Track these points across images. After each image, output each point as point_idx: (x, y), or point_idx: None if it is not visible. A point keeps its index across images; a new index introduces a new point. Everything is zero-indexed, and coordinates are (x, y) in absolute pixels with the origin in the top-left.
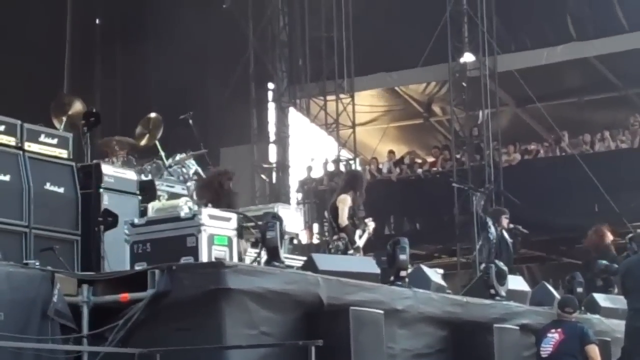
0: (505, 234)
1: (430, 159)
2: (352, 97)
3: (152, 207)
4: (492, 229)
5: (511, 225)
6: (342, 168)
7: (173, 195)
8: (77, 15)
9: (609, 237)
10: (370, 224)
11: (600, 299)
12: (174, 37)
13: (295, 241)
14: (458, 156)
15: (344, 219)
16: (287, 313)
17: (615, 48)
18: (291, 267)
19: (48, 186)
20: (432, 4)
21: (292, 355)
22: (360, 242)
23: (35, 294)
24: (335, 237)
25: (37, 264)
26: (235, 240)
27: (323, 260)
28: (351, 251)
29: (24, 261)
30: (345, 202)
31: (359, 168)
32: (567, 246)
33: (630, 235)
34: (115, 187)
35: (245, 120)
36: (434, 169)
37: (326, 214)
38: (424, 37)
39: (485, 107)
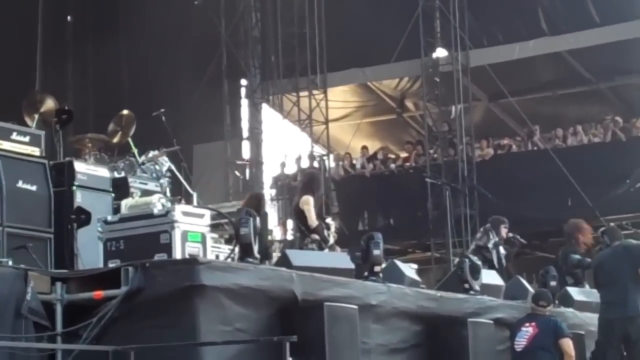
0: (502, 249)
1: (404, 154)
2: (325, 93)
3: (125, 204)
4: (492, 238)
5: (510, 235)
6: (316, 164)
7: (146, 193)
8: (49, 12)
9: (588, 236)
10: (331, 224)
11: (574, 292)
12: (146, 34)
13: (269, 237)
14: (431, 151)
15: (313, 219)
16: (261, 309)
17: (587, 42)
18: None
19: (20, 184)
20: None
21: (267, 352)
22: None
23: (8, 292)
24: (307, 240)
25: (10, 262)
26: (208, 236)
27: (297, 256)
28: (326, 250)
29: None
30: (309, 203)
31: (332, 164)
32: (541, 240)
33: (603, 228)
34: (88, 184)
35: (218, 117)
36: (407, 164)
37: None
38: (396, 32)
39: (458, 102)
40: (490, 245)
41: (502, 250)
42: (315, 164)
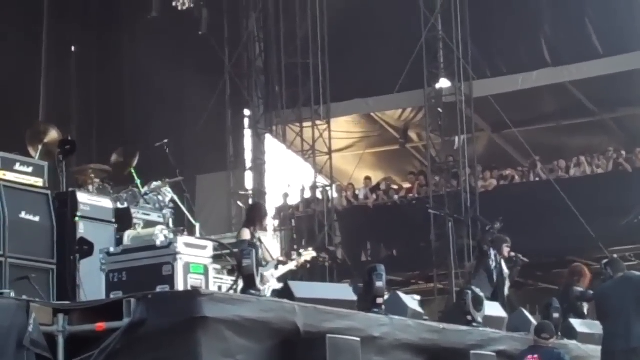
0: (504, 264)
1: (407, 185)
2: (329, 123)
3: (128, 235)
4: (493, 258)
5: (512, 254)
6: (319, 195)
7: (149, 224)
8: (53, 43)
9: (586, 280)
10: (307, 254)
11: (577, 324)
12: (150, 64)
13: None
14: (436, 180)
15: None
16: (263, 341)
17: (590, 73)
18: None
19: (23, 215)
20: (408, 30)
21: None
22: (276, 272)
23: (10, 323)
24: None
25: (12, 293)
26: (211, 268)
27: (300, 288)
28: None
29: None
30: (241, 235)
31: (335, 194)
32: (544, 271)
33: (606, 260)
34: (91, 215)
35: (222, 147)
36: (410, 195)
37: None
38: (399, 63)
39: (462, 132)
40: (491, 264)
41: (504, 267)
42: (319, 195)
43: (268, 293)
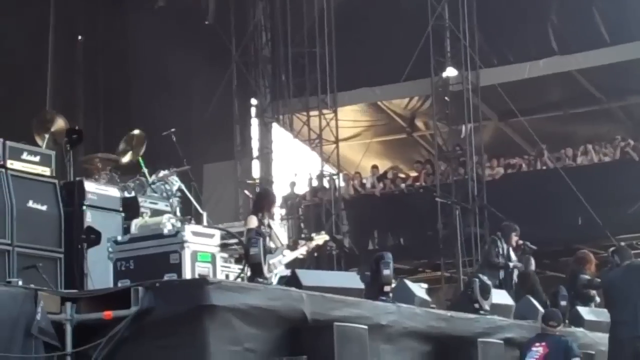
0: (512, 253)
1: (413, 174)
2: (335, 112)
3: (135, 224)
4: (500, 247)
5: (520, 242)
6: (326, 183)
7: (156, 212)
8: (59, 32)
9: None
10: (319, 237)
11: (584, 312)
12: (157, 53)
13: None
14: (442, 168)
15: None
16: (271, 329)
17: (597, 62)
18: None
19: (31, 204)
20: (415, 19)
21: None
22: (284, 259)
23: (18, 312)
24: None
25: (20, 282)
26: (218, 256)
27: (307, 276)
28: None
29: (7, 279)
30: (248, 223)
31: (342, 183)
32: (551, 259)
33: (613, 248)
34: (98, 204)
35: (229, 136)
36: (417, 183)
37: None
38: (406, 51)
39: (468, 121)
40: (500, 251)
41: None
42: (326, 183)
43: (275, 280)
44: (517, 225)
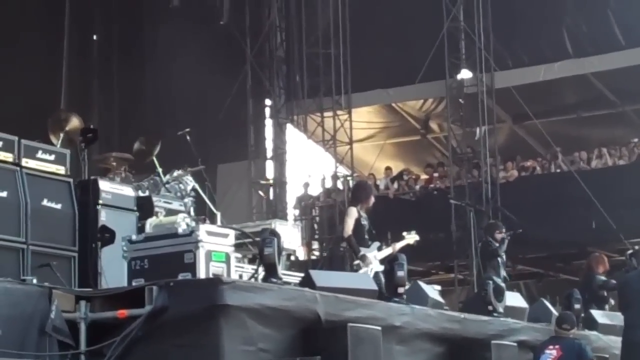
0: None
1: (425, 177)
2: (350, 113)
3: (150, 223)
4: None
5: (503, 236)
6: (339, 184)
7: (171, 212)
8: (75, 31)
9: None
10: (410, 237)
11: (598, 315)
12: (171, 53)
13: (292, 257)
14: (457, 170)
15: (347, 230)
16: (284, 329)
17: (612, 65)
18: (289, 283)
19: (45, 202)
20: (430, 21)
21: None
22: (379, 254)
23: (32, 310)
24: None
25: (35, 280)
26: (232, 256)
27: (321, 277)
28: (356, 262)
29: (22, 277)
30: (349, 215)
31: None
32: (565, 262)
33: (631, 251)
34: (112, 203)
35: (243, 137)
36: (431, 185)
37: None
38: (421, 53)
39: (483, 123)
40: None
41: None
42: (339, 185)
43: (371, 274)
44: (517, 226)
